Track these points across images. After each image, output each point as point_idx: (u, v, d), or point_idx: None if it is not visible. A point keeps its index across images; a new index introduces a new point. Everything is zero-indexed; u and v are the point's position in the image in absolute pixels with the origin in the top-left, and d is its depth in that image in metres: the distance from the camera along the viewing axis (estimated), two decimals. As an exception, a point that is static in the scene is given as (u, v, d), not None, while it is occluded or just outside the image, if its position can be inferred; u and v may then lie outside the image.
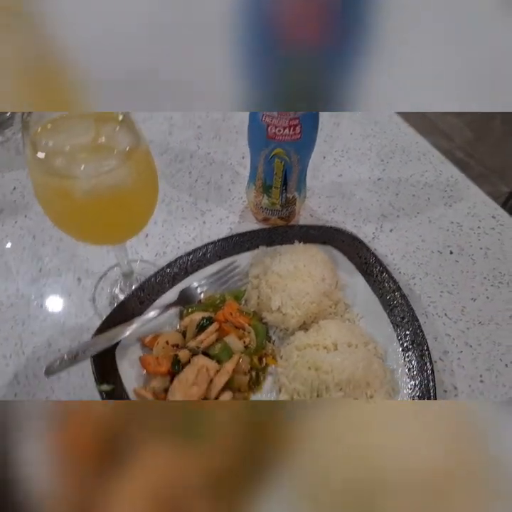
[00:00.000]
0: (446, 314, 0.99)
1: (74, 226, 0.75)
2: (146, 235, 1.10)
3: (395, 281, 0.94)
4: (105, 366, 0.84)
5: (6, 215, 1.11)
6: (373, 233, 1.11)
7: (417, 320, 0.89)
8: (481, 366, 0.92)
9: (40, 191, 0.70)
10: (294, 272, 0.89)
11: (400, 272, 1.05)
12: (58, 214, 0.74)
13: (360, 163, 1.27)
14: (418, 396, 0.83)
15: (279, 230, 1.02)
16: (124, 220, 0.75)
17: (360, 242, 0.99)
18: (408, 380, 0.85)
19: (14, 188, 1.17)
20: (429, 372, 0.83)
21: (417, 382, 0.84)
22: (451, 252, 1.08)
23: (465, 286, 1.03)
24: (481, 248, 1.09)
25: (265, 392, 0.86)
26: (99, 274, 1.03)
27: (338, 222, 1.11)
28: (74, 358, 0.81)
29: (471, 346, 0.94)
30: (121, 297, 0.93)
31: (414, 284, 1.03)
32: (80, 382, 0.88)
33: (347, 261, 1.00)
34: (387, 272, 0.96)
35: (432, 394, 0.81)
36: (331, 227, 1.02)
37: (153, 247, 1.08)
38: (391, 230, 1.12)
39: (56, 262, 1.04)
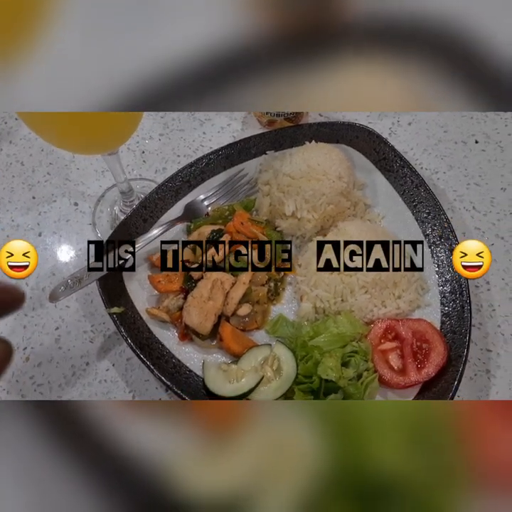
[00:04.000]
0: (474, 207, 0.91)
1: (63, 132, 0.66)
2: (143, 152, 1.01)
3: (417, 176, 0.86)
4: (113, 289, 0.78)
5: (-11, 142, 1.02)
6: (390, 128, 1.01)
7: (445, 214, 0.82)
8: (515, 258, 0.86)
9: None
10: (307, 172, 0.81)
11: (422, 168, 0.96)
12: (47, 125, 0.65)
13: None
14: (449, 292, 0.77)
15: (287, 132, 0.93)
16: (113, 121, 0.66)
17: (377, 136, 0.89)
18: (437, 277, 0.80)
19: (-6, 114, 1.07)
20: (461, 266, 0.77)
21: (448, 278, 0.78)
22: (476, 141, 0.99)
23: (493, 176, 0.94)
24: (510, 134, 0.99)
25: (286, 303, 0.81)
26: (96, 196, 0.95)
27: (350, 120, 1.01)
28: (79, 283, 0.75)
29: (502, 238, 0.87)
30: (123, 218, 0.86)
31: (438, 178, 0.95)
32: (90, 309, 0.84)
33: (364, 158, 0.91)
34: (409, 166, 0.87)
35: (464, 289, 0.75)
36: (343, 123, 0.92)
37: (152, 163, 0.99)
38: (409, 124, 1.02)
39: (49, 188, 0.97)
